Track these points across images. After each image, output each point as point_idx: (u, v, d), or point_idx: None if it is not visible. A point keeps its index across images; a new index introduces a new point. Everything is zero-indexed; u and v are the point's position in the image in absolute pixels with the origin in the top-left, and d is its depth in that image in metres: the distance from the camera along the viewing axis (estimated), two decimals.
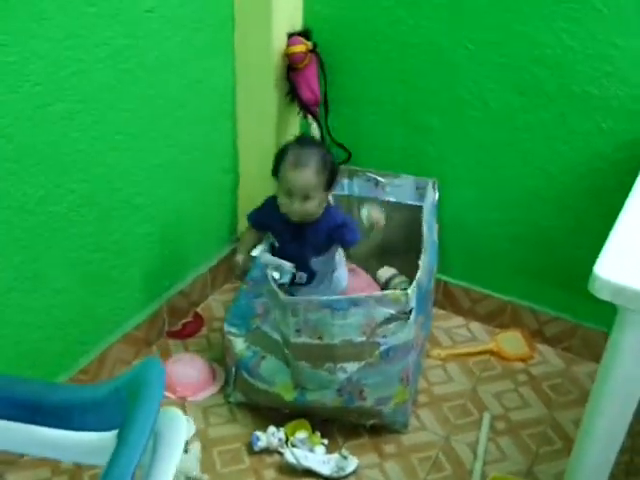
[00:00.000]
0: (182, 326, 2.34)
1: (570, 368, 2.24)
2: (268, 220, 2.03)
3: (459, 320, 2.43)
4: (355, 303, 1.81)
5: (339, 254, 2.05)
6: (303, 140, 2.03)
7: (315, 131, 2.28)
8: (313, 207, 1.90)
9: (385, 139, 2.31)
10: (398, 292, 1.84)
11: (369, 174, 2.31)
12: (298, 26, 2.27)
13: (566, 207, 2.13)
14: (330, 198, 2.00)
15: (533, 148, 2.11)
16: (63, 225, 1.85)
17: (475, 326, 2.40)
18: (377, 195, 2.31)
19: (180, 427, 0.98)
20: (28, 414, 1.07)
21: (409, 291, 1.82)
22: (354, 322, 1.82)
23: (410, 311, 1.83)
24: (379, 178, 2.30)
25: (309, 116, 2.28)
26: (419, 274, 1.90)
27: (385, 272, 2.35)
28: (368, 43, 2.20)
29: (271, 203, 1.99)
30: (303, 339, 1.86)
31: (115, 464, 0.79)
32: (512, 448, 1.99)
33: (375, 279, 2.34)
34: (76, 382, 1.99)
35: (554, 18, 1.94)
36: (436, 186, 2.24)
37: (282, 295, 1.85)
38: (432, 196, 2.21)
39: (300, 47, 2.22)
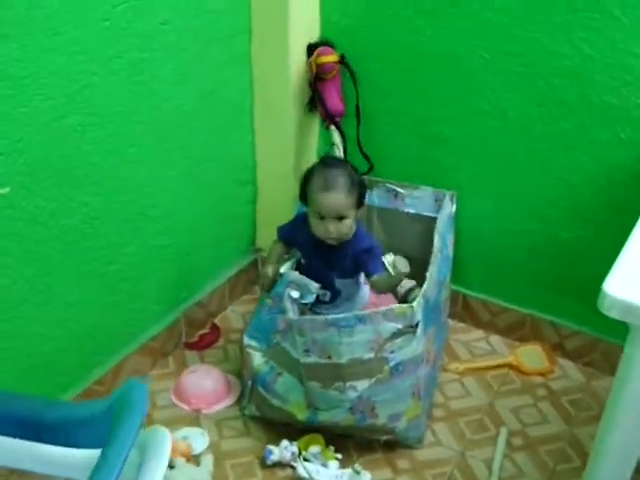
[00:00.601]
0: (199, 337, 2.34)
1: (590, 383, 2.19)
2: (297, 237, 2.03)
3: (479, 333, 2.39)
4: (361, 320, 1.79)
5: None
6: (328, 161, 2.02)
7: (338, 142, 2.25)
8: (347, 227, 1.89)
9: (403, 150, 2.29)
10: (404, 306, 1.82)
11: (389, 185, 2.29)
12: (315, 37, 2.26)
13: (586, 219, 2.09)
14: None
15: (552, 158, 2.07)
16: (76, 238, 1.86)
17: (495, 339, 2.37)
18: (397, 206, 2.29)
19: (165, 444, 0.99)
20: (24, 430, 1.08)
21: (414, 304, 1.80)
22: (361, 339, 1.81)
23: (417, 324, 1.81)
24: (399, 189, 2.28)
25: (332, 127, 2.25)
26: (425, 286, 1.88)
27: (404, 284, 2.32)
28: (385, 53, 2.19)
29: (302, 220, 1.99)
30: (312, 359, 1.85)
31: None
32: (529, 465, 1.95)
33: (396, 291, 2.32)
34: (91, 393, 2.00)
35: (572, 27, 1.90)
36: (454, 198, 2.21)
37: (290, 314, 1.84)
38: (449, 208, 2.19)
39: (330, 57, 2.20)
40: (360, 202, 1.92)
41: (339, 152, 2.23)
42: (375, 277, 1.88)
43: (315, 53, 2.19)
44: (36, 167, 1.70)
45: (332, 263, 1.96)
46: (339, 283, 1.98)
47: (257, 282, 2.54)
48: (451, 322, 2.42)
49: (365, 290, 2.08)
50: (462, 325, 2.42)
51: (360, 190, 1.92)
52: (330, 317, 1.81)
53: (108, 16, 1.77)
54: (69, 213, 1.82)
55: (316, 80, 2.22)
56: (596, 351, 2.21)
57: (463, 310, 2.41)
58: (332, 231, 1.87)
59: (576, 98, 1.97)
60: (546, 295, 2.25)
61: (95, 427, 1.00)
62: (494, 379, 2.22)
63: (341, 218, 1.87)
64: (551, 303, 2.25)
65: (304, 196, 1.93)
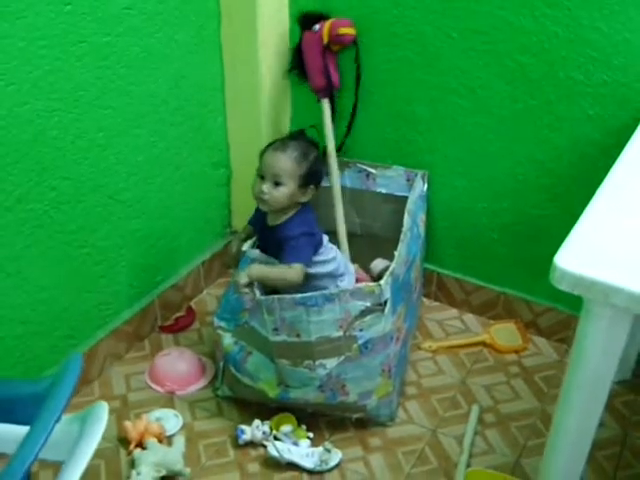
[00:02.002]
0: (174, 320, 2.35)
1: (563, 360, 2.20)
2: (255, 217, 2.06)
3: (453, 312, 2.41)
4: (329, 299, 1.80)
5: (344, 262, 2.05)
6: (297, 133, 2.04)
7: (327, 115, 2.22)
8: (281, 196, 1.88)
9: (376, 130, 2.29)
10: (372, 284, 1.82)
11: (360, 165, 2.30)
12: (285, 20, 2.25)
13: (556, 195, 2.10)
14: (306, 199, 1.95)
15: (521, 136, 2.08)
16: (45, 222, 1.86)
17: (469, 318, 2.38)
18: (368, 187, 2.30)
19: (102, 415, 1.00)
20: None
21: (382, 282, 1.80)
22: (330, 318, 1.82)
23: (385, 302, 1.82)
24: (370, 170, 2.29)
25: (326, 100, 2.22)
26: (393, 265, 1.89)
27: (379, 264, 2.32)
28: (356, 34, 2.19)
29: None
30: (282, 337, 1.86)
31: (13, 459, 0.80)
32: (500, 441, 1.96)
33: (368, 271, 2.33)
34: None
35: (536, 4, 1.90)
36: (425, 178, 2.22)
37: (257, 294, 1.85)
38: (420, 187, 2.19)
39: (351, 30, 2.16)
40: (306, 182, 1.90)
41: (328, 126, 2.21)
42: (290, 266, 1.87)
43: (330, 24, 2.14)
44: (0, 152, 1.71)
45: (268, 246, 1.97)
46: None
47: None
48: (426, 301, 2.44)
49: (350, 281, 2.05)
50: (436, 304, 2.44)
51: (310, 169, 1.91)
52: (298, 296, 1.82)
53: (69, 0, 1.76)
54: (37, 198, 1.82)
55: (323, 50, 2.16)
56: (569, 328, 2.22)
57: (437, 289, 2.42)
58: (264, 191, 1.87)
59: (542, 75, 1.97)
60: (519, 273, 2.26)
61: (37, 403, 1.02)
62: (467, 357, 2.24)
63: (278, 184, 1.87)
64: (524, 281, 2.26)
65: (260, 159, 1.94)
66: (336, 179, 2.19)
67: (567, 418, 1.43)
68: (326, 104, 2.24)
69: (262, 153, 1.94)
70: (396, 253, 1.93)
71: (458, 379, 2.16)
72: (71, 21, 1.78)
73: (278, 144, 1.93)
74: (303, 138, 1.98)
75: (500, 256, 2.26)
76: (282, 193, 1.88)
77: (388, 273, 1.85)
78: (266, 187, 1.87)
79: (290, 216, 1.94)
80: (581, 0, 1.85)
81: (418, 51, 2.11)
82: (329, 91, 2.23)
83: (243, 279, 1.86)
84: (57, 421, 0.87)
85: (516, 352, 2.24)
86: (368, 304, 1.82)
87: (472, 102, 2.10)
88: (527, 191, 2.14)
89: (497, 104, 2.07)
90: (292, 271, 1.86)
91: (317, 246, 1.95)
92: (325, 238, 2.00)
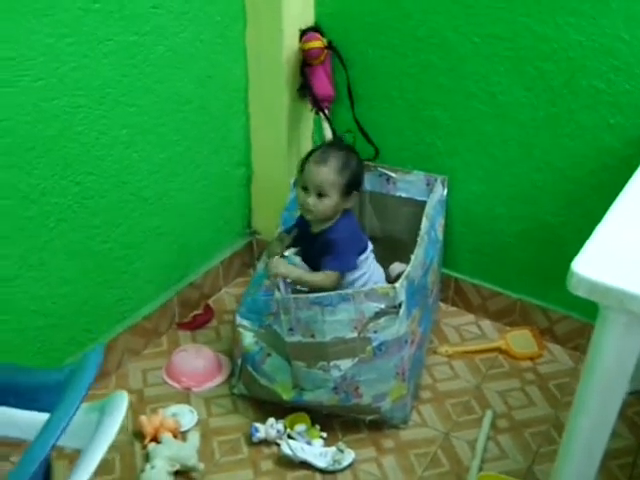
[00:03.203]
0: (192, 318, 2.37)
1: (578, 367, 2.20)
2: (298, 230, 2.07)
3: (469, 317, 2.41)
4: (344, 298, 1.81)
5: (372, 266, 2.06)
6: (334, 142, 2.11)
7: (327, 129, 2.29)
8: (327, 207, 1.92)
9: (396, 134, 2.31)
10: (387, 286, 1.84)
11: (381, 170, 2.31)
12: (310, 22, 2.27)
13: (575, 203, 2.10)
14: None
15: (540, 143, 2.08)
16: (68, 216, 1.90)
17: (485, 324, 2.39)
18: (389, 191, 2.31)
19: (122, 404, 1.02)
20: None
21: (397, 285, 1.82)
22: (344, 318, 1.83)
23: (400, 305, 1.83)
24: (391, 174, 2.30)
25: (320, 113, 2.28)
26: (409, 268, 1.90)
27: (397, 267, 2.33)
28: (378, 38, 2.20)
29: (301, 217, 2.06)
30: (297, 338, 1.88)
31: (33, 444, 0.82)
32: (512, 447, 1.97)
33: (387, 274, 2.34)
34: None
35: (560, 12, 1.91)
36: (445, 183, 2.23)
37: (277, 293, 1.87)
38: (440, 192, 2.20)
39: (317, 43, 2.23)
40: (349, 190, 1.94)
41: (327, 137, 2.25)
42: (324, 272, 1.92)
43: (302, 39, 2.22)
44: (25, 146, 1.74)
45: (311, 253, 2.01)
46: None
47: (252, 264, 2.58)
48: (443, 306, 2.44)
49: (363, 274, 2.06)
50: (453, 309, 2.44)
51: (352, 178, 1.94)
52: (312, 295, 1.84)
53: None
54: (61, 192, 1.86)
55: (305, 66, 2.24)
56: (584, 336, 2.21)
57: (455, 294, 2.43)
58: (310, 203, 1.91)
59: (564, 83, 1.98)
60: (536, 280, 2.26)
61: (59, 392, 1.04)
62: (483, 362, 2.24)
63: (322, 195, 1.90)
64: (541, 288, 2.26)
65: (302, 171, 1.97)
66: None
67: (580, 424, 1.43)
68: (322, 118, 2.29)
69: (302, 164, 1.98)
70: (412, 257, 1.94)
71: (473, 384, 2.16)
72: (99, 19, 1.82)
73: (319, 156, 1.95)
74: (342, 146, 2.01)
75: (517, 262, 2.27)
76: (327, 205, 1.93)
77: (404, 276, 1.87)
78: (311, 200, 1.92)
79: (335, 221, 1.98)
80: (605, 9, 1.86)
81: (441, 56, 2.12)
82: (317, 104, 2.28)
83: (281, 269, 1.89)
84: (77, 409, 0.89)
85: (531, 359, 2.24)
86: (382, 306, 1.84)
87: (493, 108, 2.11)
88: (545, 198, 2.14)
89: (517, 110, 2.08)
90: (327, 280, 1.91)
91: (362, 251, 2.00)
92: (369, 247, 2.04)
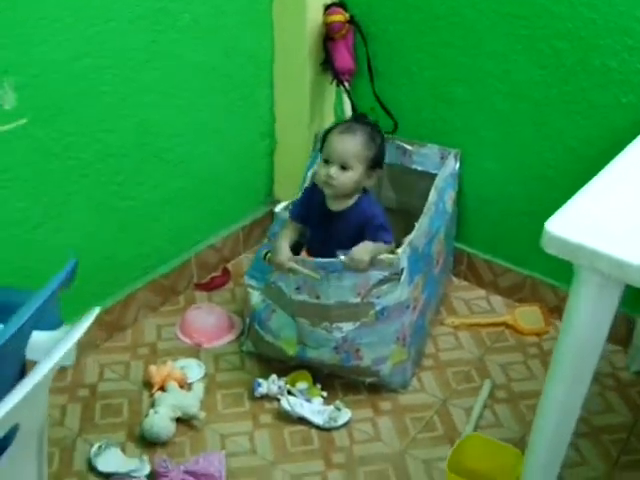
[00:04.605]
0: (210, 279, 2.46)
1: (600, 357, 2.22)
2: (306, 209, 2.04)
3: (480, 292, 2.45)
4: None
5: None
6: (359, 116, 2.10)
7: (347, 102, 2.35)
8: (349, 180, 1.90)
9: (414, 109, 2.35)
10: (391, 256, 1.89)
11: (398, 142, 2.35)
12: None
13: (586, 182, 2.11)
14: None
15: (553, 121, 2.11)
16: (90, 172, 1.99)
17: (496, 299, 2.42)
18: (404, 163, 2.35)
19: (89, 317, 1.09)
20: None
21: (399, 251, 1.87)
22: (349, 284, 1.89)
23: (401, 271, 1.88)
24: (407, 146, 2.34)
25: (340, 86, 2.35)
26: (411, 236, 1.95)
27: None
28: (399, 14, 2.25)
29: (308, 192, 2.07)
30: (302, 297, 1.94)
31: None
32: (508, 416, 2.01)
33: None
34: (101, 322, 2.16)
35: None
36: (458, 157, 2.27)
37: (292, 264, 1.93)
38: (452, 165, 2.25)
39: (338, 17, 2.29)
40: (373, 165, 1.94)
41: (346, 112, 2.32)
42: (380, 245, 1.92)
43: (325, 12, 2.28)
44: (52, 102, 1.84)
45: (333, 232, 1.99)
46: (339, 254, 1.94)
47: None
48: (455, 280, 2.49)
49: None
50: (465, 283, 2.48)
51: (376, 153, 1.94)
52: (319, 260, 1.90)
53: None
54: (83, 148, 1.95)
55: (327, 39, 2.30)
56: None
57: (467, 269, 2.47)
58: (332, 176, 1.88)
59: (577, 61, 2.00)
60: (546, 258, 2.26)
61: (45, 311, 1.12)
62: (488, 336, 2.28)
63: (345, 168, 1.89)
64: (550, 266, 2.27)
65: (323, 143, 1.96)
66: None
67: (556, 383, 1.46)
68: (342, 91, 2.34)
69: (325, 137, 1.97)
70: (416, 224, 1.99)
71: (476, 355, 2.20)
72: None
73: (344, 128, 1.95)
74: (367, 122, 2.02)
75: (528, 240, 2.27)
76: (350, 177, 1.91)
77: (406, 243, 1.92)
78: (334, 171, 1.90)
79: (358, 198, 1.98)
80: None
81: (459, 33, 2.16)
82: (338, 77, 2.33)
83: (288, 263, 1.91)
84: (47, 298, 0.98)
85: (537, 335, 2.27)
86: (386, 273, 1.90)
87: (508, 86, 2.14)
88: (557, 177, 2.16)
89: (531, 89, 2.11)
90: (388, 249, 1.93)
91: None
92: None
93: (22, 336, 1.02)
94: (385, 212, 2.03)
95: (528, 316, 2.30)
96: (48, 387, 1.10)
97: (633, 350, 2.16)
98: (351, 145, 1.90)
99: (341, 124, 2.01)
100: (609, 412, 2.04)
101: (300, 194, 2.12)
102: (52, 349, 1.00)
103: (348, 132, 1.92)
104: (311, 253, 2.02)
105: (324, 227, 2.02)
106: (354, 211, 1.97)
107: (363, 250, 1.87)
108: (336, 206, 1.99)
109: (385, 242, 1.94)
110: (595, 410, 2.04)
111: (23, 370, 1.18)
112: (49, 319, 1.17)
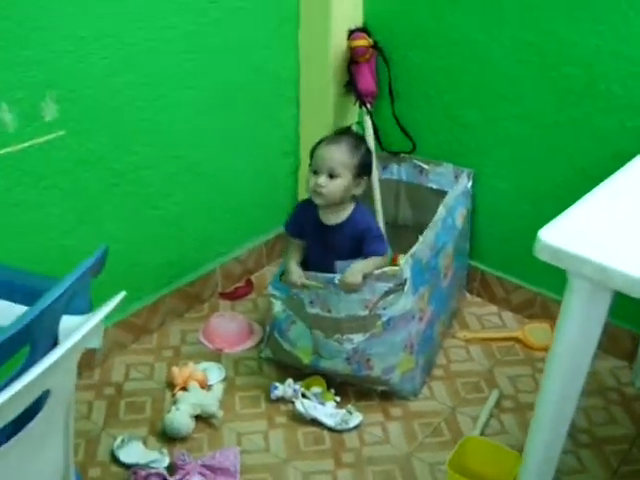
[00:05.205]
0: (234, 289, 2.58)
1: (592, 362, 2.29)
2: (301, 224, 2.15)
3: (492, 308, 2.54)
4: None
5: None
6: (344, 129, 2.23)
7: (368, 122, 2.46)
8: (337, 188, 1.98)
9: (432, 130, 2.47)
10: (395, 268, 1.99)
11: (415, 161, 2.48)
12: (359, 23, 2.46)
13: None
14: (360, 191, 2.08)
15: (563, 144, 2.20)
16: (122, 181, 2.12)
17: (507, 315, 2.50)
18: (421, 181, 2.48)
19: (113, 300, 1.20)
20: (30, 299, 1.29)
21: (402, 262, 1.97)
22: (357, 298, 1.99)
23: (404, 282, 1.98)
24: (423, 165, 2.47)
25: (363, 107, 2.46)
26: (414, 248, 2.05)
27: None
28: (418, 40, 2.37)
29: (301, 206, 2.18)
30: (316, 310, 2.05)
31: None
32: (513, 425, 2.08)
33: None
34: (128, 324, 2.29)
35: (583, 19, 2.04)
36: (471, 176, 2.38)
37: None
38: (464, 184, 2.36)
39: (362, 42, 2.41)
40: (359, 172, 2.03)
41: (368, 131, 2.42)
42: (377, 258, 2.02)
43: (350, 38, 2.41)
44: (89, 115, 1.97)
45: (331, 245, 2.07)
46: (341, 265, 2.02)
47: None
48: (469, 296, 2.58)
49: None
50: (478, 300, 2.57)
51: (362, 160, 2.03)
52: (330, 275, 1.99)
53: None
54: (117, 159, 2.09)
55: (351, 63, 2.42)
56: (602, 333, 2.30)
57: (480, 285, 2.56)
58: (321, 184, 1.97)
59: (584, 87, 2.09)
60: (556, 275, 2.34)
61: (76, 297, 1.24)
62: (499, 350, 2.36)
63: (333, 176, 1.98)
64: (561, 283, 2.35)
65: (311, 158, 2.06)
66: (375, 175, 2.37)
67: (551, 384, 1.54)
68: (364, 112, 2.45)
69: (313, 150, 2.07)
70: (420, 238, 2.09)
71: (486, 367, 2.28)
72: (163, 8, 2.05)
73: (329, 139, 2.07)
74: (351, 133, 2.15)
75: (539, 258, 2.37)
76: (338, 185, 1.99)
77: (408, 255, 2.02)
78: (322, 180, 1.99)
79: (352, 210, 2.08)
80: (624, 18, 1.98)
81: (474, 58, 2.28)
82: (361, 99, 2.44)
83: (299, 280, 2.03)
84: (71, 285, 1.09)
85: (546, 350, 2.33)
86: (391, 285, 1.99)
87: (519, 109, 2.24)
88: (567, 197, 2.23)
89: (541, 112, 2.21)
90: (384, 260, 2.04)
91: None
92: None
93: (53, 314, 1.13)
94: (400, 228, 2.14)
95: (538, 332, 2.38)
96: (77, 359, 1.21)
97: (638, 366, 2.22)
98: (337, 154, 2.00)
99: (327, 137, 2.11)
100: (612, 424, 2.10)
101: (293, 210, 2.24)
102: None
103: (333, 142, 2.04)
104: (311, 266, 2.10)
105: (321, 241, 2.11)
106: (349, 224, 2.07)
107: (356, 271, 1.97)
108: (331, 219, 2.08)
109: (380, 254, 2.04)
110: (598, 422, 2.10)
111: None
112: (80, 304, 1.27)
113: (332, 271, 2.03)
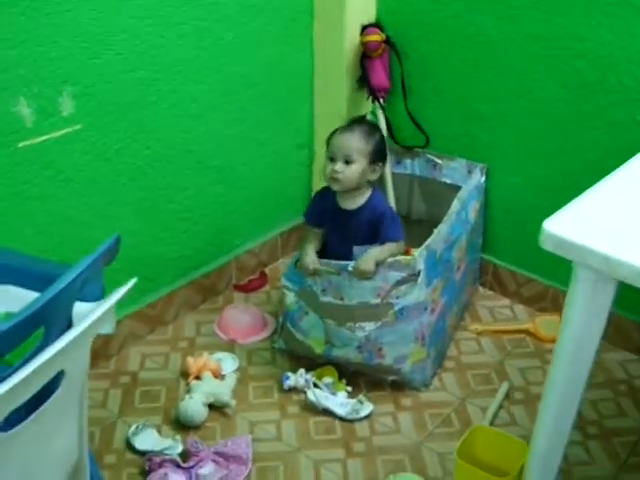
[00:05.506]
0: (248, 281, 2.62)
1: (601, 354, 2.30)
2: (320, 212, 2.21)
3: (505, 301, 2.55)
4: None
5: None
6: (358, 118, 2.26)
7: (381, 117, 2.49)
8: (353, 173, 2.05)
9: (444, 125, 2.49)
10: (408, 257, 2.02)
11: (429, 156, 2.51)
12: (372, 18, 2.49)
13: None
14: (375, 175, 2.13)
15: (573, 137, 2.22)
16: (138, 175, 2.16)
17: (519, 308, 2.52)
18: (435, 176, 2.50)
19: (125, 286, 1.24)
20: (43, 285, 1.32)
21: (416, 254, 2.00)
22: (369, 285, 2.02)
23: (418, 273, 2.01)
24: (437, 160, 2.50)
25: (376, 102, 2.49)
26: (429, 240, 2.07)
27: None
28: (431, 35, 2.40)
29: (319, 195, 2.23)
30: (328, 298, 2.08)
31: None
32: (524, 416, 2.10)
33: None
34: (143, 315, 2.33)
35: (593, 13, 2.05)
36: (484, 170, 2.40)
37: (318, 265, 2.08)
38: (477, 178, 2.37)
39: (375, 37, 2.43)
40: (374, 158, 2.08)
41: (381, 126, 2.44)
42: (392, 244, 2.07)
43: (363, 33, 2.43)
44: (104, 110, 2.01)
45: (349, 230, 2.13)
46: (358, 250, 2.07)
47: None
48: (481, 289, 2.60)
49: None
50: (490, 293, 2.59)
51: (377, 146, 2.09)
52: (343, 263, 2.03)
53: None
54: (133, 153, 2.12)
55: (364, 58, 2.45)
56: (610, 325, 2.30)
57: (492, 279, 2.57)
58: (337, 170, 2.04)
59: (595, 80, 2.11)
60: (567, 269, 2.36)
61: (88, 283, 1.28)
62: (510, 342, 2.38)
63: (349, 162, 2.04)
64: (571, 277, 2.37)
65: (327, 147, 2.11)
66: (387, 167, 2.40)
67: (557, 372, 1.55)
68: (376, 107, 2.48)
69: (329, 139, 2.13)
70: (435, 230, 2.11)
71: (496, 359, 2.30)
72: (176, 4, 2.08)
73: (344, 127, 2.13)
74: (365, 121, 2.20)
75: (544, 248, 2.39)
76: (354, 170, 2.06)
77: (423, 246, 2.04)
78: (339, 166, 2.05)
79: (370, 195, 2.13)
80: (636, 11, 1.99)
81: (485, 53, 2.30)
82: (373, 94, 2.47)
83: (312, 264, 2.07)
84: (84, 270, 1.12)
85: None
86: (404, 274, 2.02)
87: (530, 103, 2.26)
88: (579, 190, 2.25)
89: (552, 106, 2.22)
90: (399, 247, 2.08)
91: None
92: None
93: (67, 298, 1.16)
94: (413, 222, 2.18)
95: (549, 325, 2.39)
96: (90, 343, 1.24)
97: None
98: (351, 140, 2.07)
99: (342, 126, 2.16)
100: (621, 416, 2.12)
101: (311, 199, 2.30)
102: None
103: (348, 130, 2.10)
104: (329, 253, 2.15)
105: (340, 226, 2.16)
106: (366, 209, 2.13)
107: (369, 259, 2.01)
108: (349, 204, 2.14)
109: (395, 240, 2.08)
110: (607, 414, 2.12)
111: None
112: (93, 291, 1.31)
113: (350, 257, 2.07)
